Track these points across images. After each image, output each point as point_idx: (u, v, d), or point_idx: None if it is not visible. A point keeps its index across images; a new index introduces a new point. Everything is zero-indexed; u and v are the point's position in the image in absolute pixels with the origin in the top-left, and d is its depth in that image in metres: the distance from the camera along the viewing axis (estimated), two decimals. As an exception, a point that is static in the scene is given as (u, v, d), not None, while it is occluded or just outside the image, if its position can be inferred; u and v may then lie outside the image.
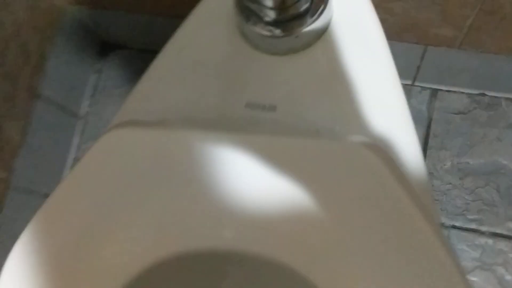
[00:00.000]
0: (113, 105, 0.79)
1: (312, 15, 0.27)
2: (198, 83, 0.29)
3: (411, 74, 0.69)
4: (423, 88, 0.71)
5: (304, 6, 0.26)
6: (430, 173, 0.68)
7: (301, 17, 0.27)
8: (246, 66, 0.29)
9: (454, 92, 0.70)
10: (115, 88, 0.80)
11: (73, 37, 0.74)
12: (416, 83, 0.70)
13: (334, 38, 0.28)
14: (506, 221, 0.66)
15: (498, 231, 0.66)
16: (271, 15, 0.26)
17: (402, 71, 0.66)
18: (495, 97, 0.69)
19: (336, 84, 0.28)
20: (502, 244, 0.65)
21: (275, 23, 0.27)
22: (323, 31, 0.28)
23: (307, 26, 0.27)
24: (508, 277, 0.64)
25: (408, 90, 0.71)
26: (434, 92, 0.71)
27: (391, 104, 0.28)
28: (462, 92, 0.69)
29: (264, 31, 0.27)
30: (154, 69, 0.31)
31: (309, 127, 0.28)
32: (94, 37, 0.79)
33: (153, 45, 0.64)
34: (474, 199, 0.67)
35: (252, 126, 0.28)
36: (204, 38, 0.30)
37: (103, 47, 0.81)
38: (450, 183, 0.68)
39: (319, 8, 0.27)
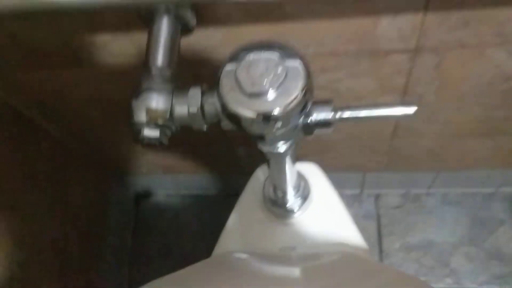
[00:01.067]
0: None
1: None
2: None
3: (359, 187, 1.00)
4: (369, 195, 1.02)
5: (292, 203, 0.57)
6: (388, 254, 0.98)
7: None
8: (276, 228, 0.58)
9: (390, 193, 1.01)
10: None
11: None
12: (364, 191, 1.02)
13: (314, 209, 0.58)
14: (443, 278, 0.95)
15: (441, 286, 0.94)
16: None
17: (354, 185, 0.98)
18: (416, 193, 1.01)
19: (319, 232, 0.58)
20: (445, 295, 0.94)
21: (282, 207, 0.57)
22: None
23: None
24: (454, 318, 0.92)
25: (359, 196, 1.02)
26: (377, 196, 1.02)
27: (351, 236, 0.58)
28: (395, 194, 1.01)
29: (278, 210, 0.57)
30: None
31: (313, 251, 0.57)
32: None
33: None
34: (420, 267, 0.96)
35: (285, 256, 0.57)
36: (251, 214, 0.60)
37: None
38: (401, 258, 0.97)
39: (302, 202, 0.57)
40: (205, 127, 0.38)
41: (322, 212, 0.59)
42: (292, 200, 0.58)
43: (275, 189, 0.57)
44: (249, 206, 0.61)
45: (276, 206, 0.58)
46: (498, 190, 0.98)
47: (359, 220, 0.97)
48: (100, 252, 0.94)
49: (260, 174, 0.63)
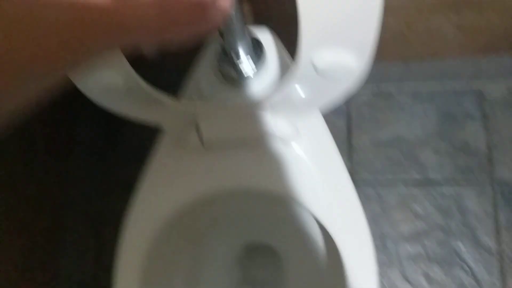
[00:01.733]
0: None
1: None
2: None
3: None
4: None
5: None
6: (356, 150, 0.98)
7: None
8: (230, 93, 0.57)
9: (361, 90, 1.00)
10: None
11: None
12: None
13: (269, 75, 0.57)
14: (411, 171, 0.96)
15: (408, 180, 0.95)
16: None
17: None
18: (387, 91, 1.00)
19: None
20: (412, 189, 0.95)
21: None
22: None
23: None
24: (418, 210, 0.93)
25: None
26: (348, 94, 1.00)
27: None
28: (366, 91, 1.00)
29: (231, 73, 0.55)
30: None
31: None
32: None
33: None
34: (388, 161, 0.97)
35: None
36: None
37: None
38: (370, 153, 0.97)
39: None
40: None
41: (277, 76, 0.57)
42: (246, 64, 0.56)
43: (228, 53, 0.55)
44: (204, 71, 0.59)
45: (230, 70, 0.56)
46: (469, 85, 0.97)
47: (329, 116, 0.96)
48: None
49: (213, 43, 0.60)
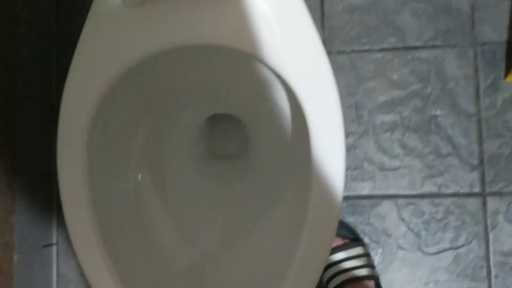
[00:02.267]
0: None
1: None
2: None
3: None
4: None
5: None
6: (329, 16, 0.90)
7: None
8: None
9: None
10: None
11: None
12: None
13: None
14: (387, 37, 0.89)
15: (384, 46, 0.89)
16: None
17: None
18: None
19: None
20: (388, 55, 0.89)
21: None
22: None
23: None
24: (395, 77, 0.88)
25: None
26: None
27: None
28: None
29: None
30: None
31: None
32: None
33: None
34: (363, 28, 0.90)
35: None
36: None
37: None
38: (344, 20, 0.90)
39: None
40: None
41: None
42: None
43: None
44: None
45: None
46: None
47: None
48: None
49: None
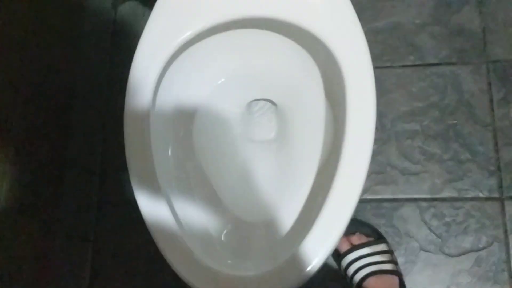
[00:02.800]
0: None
1: None
2: None
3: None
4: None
5: None
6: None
7: None
8: None
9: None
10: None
11: None
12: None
13: None
14: (408, 56, 0.98)
15: (405, 63, 0.98)
16: None
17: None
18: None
19: None
20: (408, 71, 0.97)
21: None
22: None
23: None
24: (414, 90, 0.96)
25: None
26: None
27: None
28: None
29: None
30: None
31: None
32: None
33: None
34: (385, 47, 0.99)
35: None
36: None
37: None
38: (368, 40, 0.99)
39: None
40: None
41: None
42: None
43: None
44: None
45: None
46: (464, -28, 0.99)
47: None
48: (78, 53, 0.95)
49: None
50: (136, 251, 0.96)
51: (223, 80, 0.75)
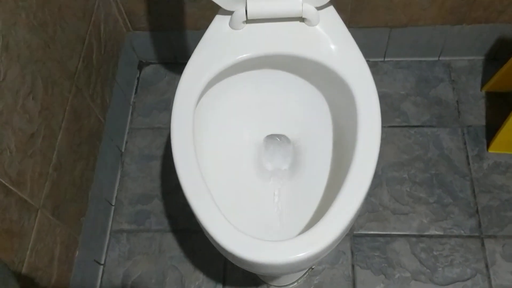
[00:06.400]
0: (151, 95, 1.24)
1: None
2: None
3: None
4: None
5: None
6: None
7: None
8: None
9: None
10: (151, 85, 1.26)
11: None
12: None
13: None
14: (394, 118, 1.16)
15: (392, 124, 1.16)
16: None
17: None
18: (374, 61, 1.24)
19: None
20: (396, 130, 1.15)
21: None
22: None
23: None
24: (401, 145, 1.12)
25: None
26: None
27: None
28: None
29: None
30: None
31: None
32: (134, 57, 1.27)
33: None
34: (376, 111, 1.17)
35: None
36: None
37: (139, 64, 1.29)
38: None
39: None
40: None
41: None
42: None
43: None
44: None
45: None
46: (439, 58, 1.22)
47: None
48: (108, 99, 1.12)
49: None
50: (144, 276, 1.02)
51: (246, 112, 0.91)
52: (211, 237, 0.64)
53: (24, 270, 0.75)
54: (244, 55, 0.80)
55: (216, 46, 0.81)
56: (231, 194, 0.87)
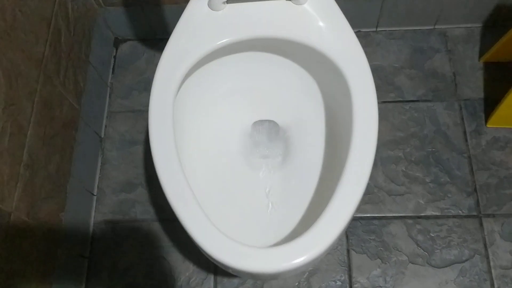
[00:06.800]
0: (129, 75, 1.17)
1: None
2: None
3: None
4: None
5: None
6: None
7: None
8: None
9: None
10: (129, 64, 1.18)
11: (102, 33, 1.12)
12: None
13: None
14: (389, 93, 1.10)
15: (386, 99, 1.10)
16: None
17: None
18: (366, 31, 1.17)
19: None
20: (390, 106, 1.09)
21: None
22: None
23: None
24: (396, 122, 1.07)
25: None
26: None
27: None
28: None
29: None
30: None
31: None
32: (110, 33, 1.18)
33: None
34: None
35: None
36: None
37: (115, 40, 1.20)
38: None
39: None
40: None
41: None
42: None
43: None
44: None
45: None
46: (434, 27, 1.15)
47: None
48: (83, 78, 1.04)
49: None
50: (131, 267, 0.98)
51: (231, 98, 0.84)
52: (200, 247, 0.60)
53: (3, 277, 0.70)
54: (224, 40, 0.73)
55: (195, 31, 0.73)
56: (219, 186, 0.82)
